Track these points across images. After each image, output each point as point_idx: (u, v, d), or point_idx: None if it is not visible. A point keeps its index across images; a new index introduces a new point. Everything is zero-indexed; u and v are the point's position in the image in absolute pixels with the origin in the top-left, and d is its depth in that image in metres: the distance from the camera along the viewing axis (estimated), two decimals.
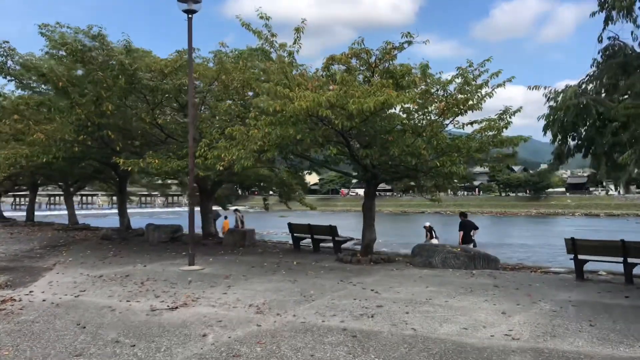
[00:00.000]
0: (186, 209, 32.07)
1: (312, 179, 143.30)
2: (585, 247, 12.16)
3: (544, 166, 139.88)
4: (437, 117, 13.71)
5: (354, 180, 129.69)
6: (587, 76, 10.92)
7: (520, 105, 13.78)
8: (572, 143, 10.97)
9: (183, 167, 14.79)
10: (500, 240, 49.88)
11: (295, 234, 18.78)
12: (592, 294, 10.50)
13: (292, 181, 23.24)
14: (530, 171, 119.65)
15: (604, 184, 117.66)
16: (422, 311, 8.84)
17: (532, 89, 10.35)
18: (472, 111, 13.96)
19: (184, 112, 17.94)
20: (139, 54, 16.08)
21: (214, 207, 24.62)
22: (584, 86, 10.64)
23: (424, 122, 13.65)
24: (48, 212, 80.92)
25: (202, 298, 10.09)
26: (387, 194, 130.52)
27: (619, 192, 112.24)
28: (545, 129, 10.83)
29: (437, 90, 13.72)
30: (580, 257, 12.18)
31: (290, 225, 18.85)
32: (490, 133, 13.72)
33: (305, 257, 16.47)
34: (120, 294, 10.48)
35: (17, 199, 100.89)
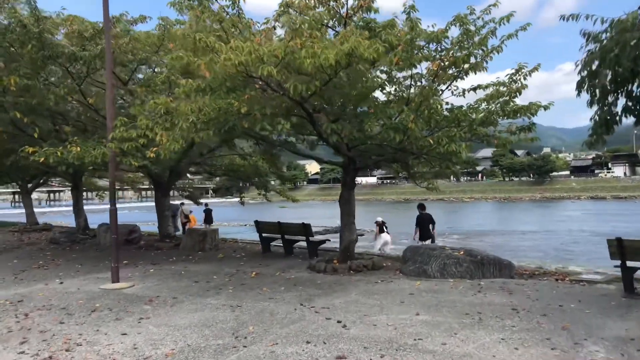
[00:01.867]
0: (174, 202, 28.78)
1: (313, 168, 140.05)
2: (638, 250, 8.68)
3: (546, 150, 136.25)
4: (429, 81, 10.26)
5: None
6: None
7: (538, 63, 10.30)
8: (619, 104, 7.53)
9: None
10: (506, 226, 46.69)
11: (264, 234, 15.38)
12: None
13: (268, 170, 19.74)
14: (534, 155, 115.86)
15: (609, 165, 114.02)
16: None
17: (567, 19, 6.89)
18: (475, 73, 10.52)
19: (128, 88, 14.56)
20: (54, 18, 12.60)
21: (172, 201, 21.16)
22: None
23: (413, 88, 10.15)
24: (48, 209, 77.47)
25: (85, 343, 6.75)
26: (388, 181, 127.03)
27: (625, 173, 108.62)
28: (580, 86, 7.39)
29: (428, 44, 10.21)
30: (630, 263, 8.75)
31: (257, 223, 15.43)
32: (500, 100, 10.27)
33: (271, 265, 13.11)
34: None
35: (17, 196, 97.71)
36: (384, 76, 10.30)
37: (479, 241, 36.42)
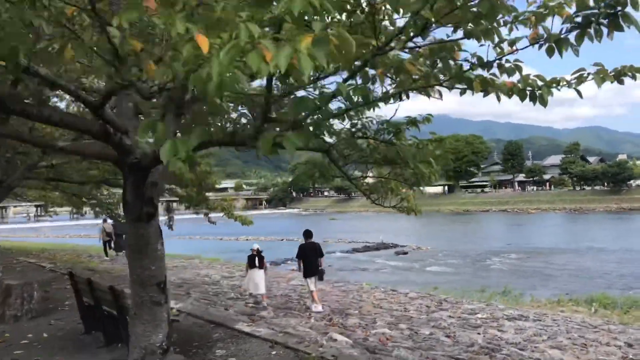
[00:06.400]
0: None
1: (368, 178, 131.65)
2: None
3: (622, 157, 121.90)
4: None
5: None
6: None
7: None
8: None
9: None
10: (577, 243, 38.34)
11: (84, 300, 7.91)
12: None
13: (187, 176, 11.90)
14: (608, 162, 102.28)
15: None
16: None
17: None
18: None
19: None
20: None
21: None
22: None
23: None
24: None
25: None
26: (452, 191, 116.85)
27: None
28: None
29: None
30: None
31: (71, 277, 8.00)
32: None
33: None
34: None
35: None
36: None
37: (541, 262, 28.81)
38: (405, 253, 34.52)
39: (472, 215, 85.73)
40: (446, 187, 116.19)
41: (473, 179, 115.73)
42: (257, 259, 12.14)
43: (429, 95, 4.07)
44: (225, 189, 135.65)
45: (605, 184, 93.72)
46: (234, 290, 14.33)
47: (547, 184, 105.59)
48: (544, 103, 3.50)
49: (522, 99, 3.53)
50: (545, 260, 29.62)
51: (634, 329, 10.75)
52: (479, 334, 9.71)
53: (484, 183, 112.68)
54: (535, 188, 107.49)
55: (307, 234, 12.02)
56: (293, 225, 65.76)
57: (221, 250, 30.75)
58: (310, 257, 11.69)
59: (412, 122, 5.20)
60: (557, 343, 9.13)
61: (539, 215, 79.67)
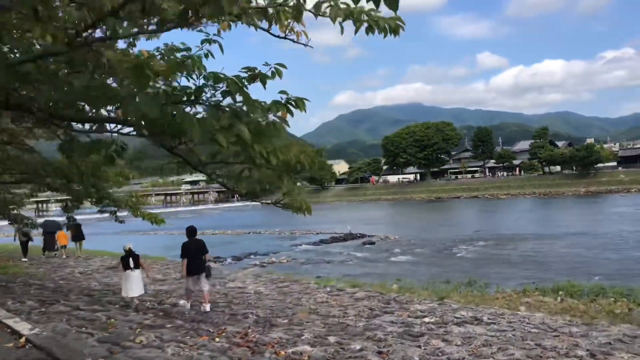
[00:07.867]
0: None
1: (341, 168, 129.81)
2: None
3: (589, 140, 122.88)
4: None
5: (385, 167, 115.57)
6: None
7: None
8: None
9: None
10: (547, 228, 37.67)
11: None
12: None
13: (73, 171, 9.91)
14: (576, 146, 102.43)
15: None
16: None
17: None
18: None
19: None
20: None
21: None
22: None
23: None
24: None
25: None
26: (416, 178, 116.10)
27: None
28: None
29: None
30: None
31: None
32: None
33: None
34: None
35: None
36: None
37: (510, 249, 27.91)
38: (373, 243, 33.27)
39: (443, 202, 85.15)
40: (417, 175, 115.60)
41: (449, 166, 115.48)
42: (131, 259, 11.12)
43: (256, 26, 2.23)
44: (196, 182, 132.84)
45: (573, 167, 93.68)
46: (156, 297, 12.50)
47: (517, 169, 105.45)
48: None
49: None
50: (514, 247, 28.77)
51: (598, 331, 9.20)
52: (419, 346, 8.03)
53: (475, 169, 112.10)
54: (505, 174, 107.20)
55: (191, 231, 11.18)
56: (262, 217, 63.90)
57: None
58: (194, 256, 11.03)
59: (254, 76, 3.39)
60: (508, 356, 7.48)
61: (509, 200, 79.31)
